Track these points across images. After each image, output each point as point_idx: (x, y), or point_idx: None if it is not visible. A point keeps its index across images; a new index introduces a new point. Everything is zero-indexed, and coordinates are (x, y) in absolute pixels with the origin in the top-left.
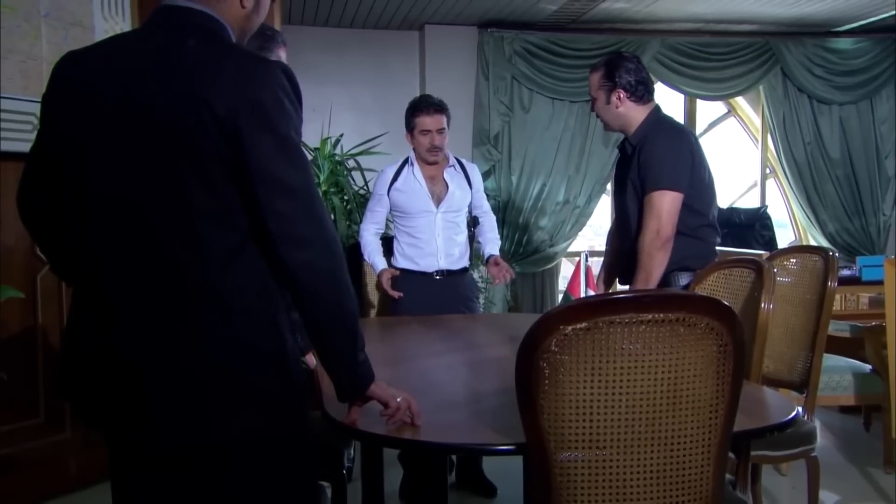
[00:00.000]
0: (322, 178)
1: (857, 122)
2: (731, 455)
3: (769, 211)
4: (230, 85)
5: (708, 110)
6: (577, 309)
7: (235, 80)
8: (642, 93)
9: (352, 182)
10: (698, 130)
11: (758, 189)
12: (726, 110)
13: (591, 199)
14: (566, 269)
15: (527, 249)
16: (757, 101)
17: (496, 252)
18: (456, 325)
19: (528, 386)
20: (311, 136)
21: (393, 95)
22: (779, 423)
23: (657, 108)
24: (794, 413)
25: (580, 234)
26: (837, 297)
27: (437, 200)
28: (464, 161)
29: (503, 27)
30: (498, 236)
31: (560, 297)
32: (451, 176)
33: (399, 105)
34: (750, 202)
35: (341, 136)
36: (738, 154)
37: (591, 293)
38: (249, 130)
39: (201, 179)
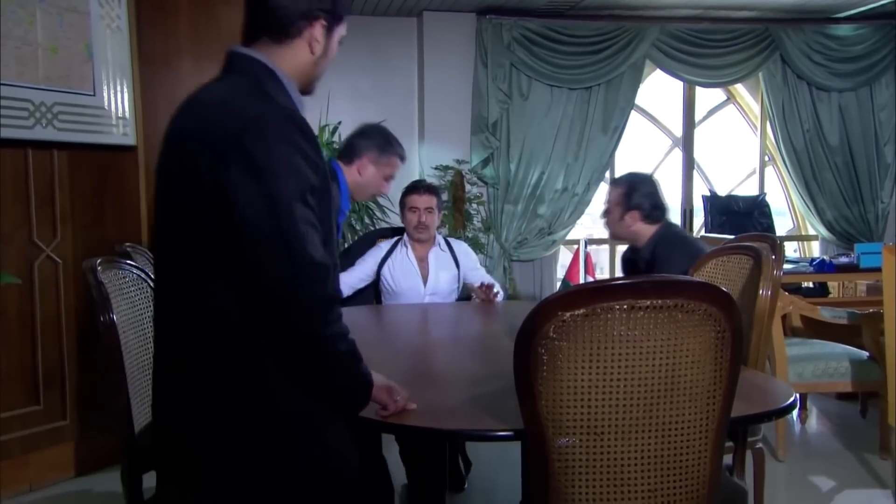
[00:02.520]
0: None
1: (857, 109)
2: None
3: (767, 198)
4: (231, 135)
5: (707, 97)
6: (576, 295)
7: (235, 130)
8: (656, 217)
9: None
10: (697, 118)
11: (756, 177)
12: (725, 97)
13: (590, 187)
14: (564, 258)
15: (525, 237)
16: (756, 89)
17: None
18: (454, 312)
19: (527, 372)
20: (309, 122)
21: (391, 83)
22: (776, 409)
23: (667, 223)
24: (791, 398)
25: (578, 222)
26: (834, 284)
27: (425, 281)
28: (452, 241)
29: (502, 14)
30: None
31: (559, 284)
32: (436, 256)
33: (397, 92)
34: (748, 190)
35: (339, 123)
36: (737, 142)
37: (590, 280)
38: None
39: (220, 231)
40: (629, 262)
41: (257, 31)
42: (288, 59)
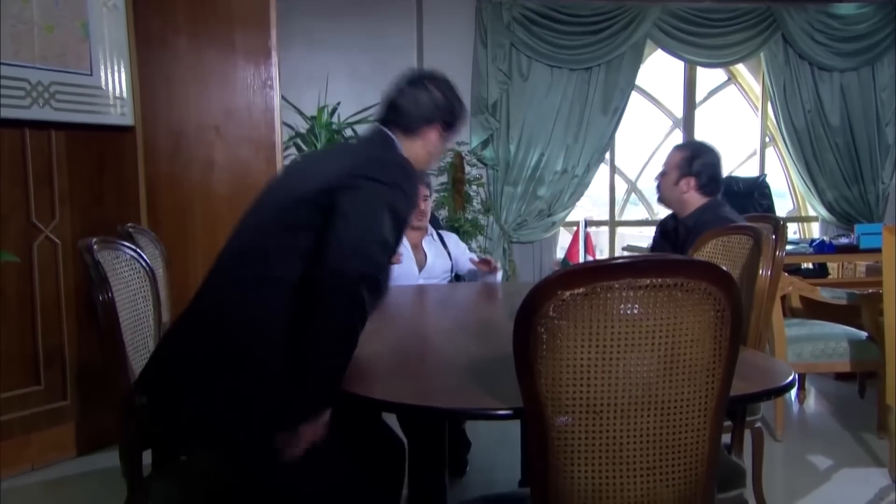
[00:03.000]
0: (319, 148)
1: (858, 89)
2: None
3: (768, 180)
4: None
5: (708, 78)
6: (575, 274)
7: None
8: (711, 189)
9: None
10: (698, 98)
11: (757, 158)
12: (726, 78)
13: (590, 169)
14: (564, 240)
15: (525, 219)
16: (757, 69)
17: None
18: (453, 293)
19: (526, 351)
20: (307, 104)
21: (390, 63)
22: (775, 388)
23: (718, 201)
24: (791, 377)
25: (578, 203)
26: (834, 265)
27: (420, 267)
28: (442, 232)
29: None
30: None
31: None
32: (429, 245)
33: (396, 73)
34: (749, 171)
35: (338, 104)
36: (738, 122)
37: (590, 259)
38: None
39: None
40: (669, 230)
41: (390, 121)
42: (407, 147)
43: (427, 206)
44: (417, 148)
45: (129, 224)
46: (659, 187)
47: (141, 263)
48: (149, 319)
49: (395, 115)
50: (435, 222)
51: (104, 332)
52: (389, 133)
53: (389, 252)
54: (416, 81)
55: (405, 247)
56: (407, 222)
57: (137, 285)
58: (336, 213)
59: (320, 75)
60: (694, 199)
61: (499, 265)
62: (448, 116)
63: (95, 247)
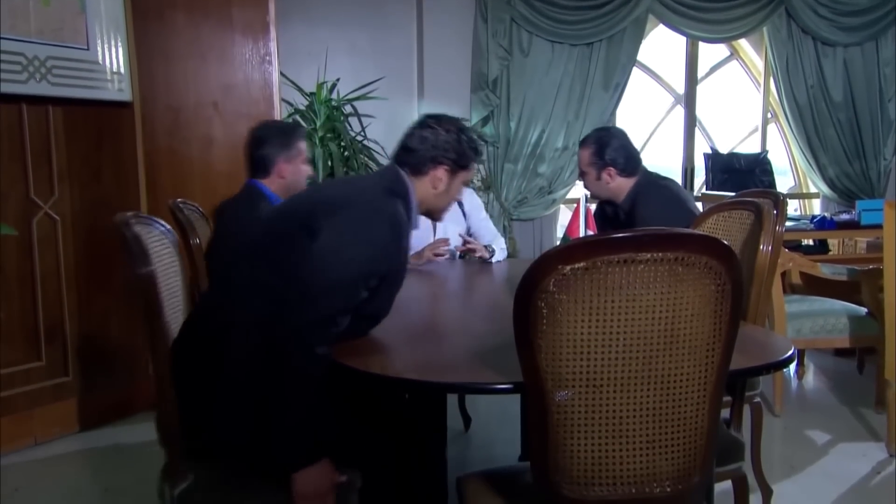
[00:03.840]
0: (319, 124)
1: (861, 64)
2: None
3: (769, 156)
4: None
5: (710, 54)
6: (576, 249)
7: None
8: (632, 168)
9: (349, 128)
10: (700, 74)
11: (758, 134)
12: (728, 53)
13: None
14: (564, 217)
15: (525, 196)
16: (760, 44)
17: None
18: (455, 270)
19: (527, 326)
20: (306, 80)
21: (389, 40)
22: (774, 362)
23: (644, 172)
24: (790, 351)
25: (578, 181)
26: (834, 241)
27: (434, 233)
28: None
29: None
30: (497, 248)
31: (558, 241)
32: None
33: (396, 49)
34: (750, 148)
35: (337, 80)
36: (740, 98)
37: (591, 234)
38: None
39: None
40: (609, 218)
41: (402, 161)
42: (417, 186)
43: None
44: (426, 187)
45: (178, 199)
46: (586, 187)
47: (170, 238)
48: (179, 294)
49: (406, 155)
50: None
51: (145, 305)
52: (401, 171)
53: (350, 300)
54: (423, 123)
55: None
56: (381, 273)
57: (168, 259)
58: (294, 256)
59: (319, 51)
60: (623, 185)
61: (486, 252)
62: (455, 156)
63: (132, 221)
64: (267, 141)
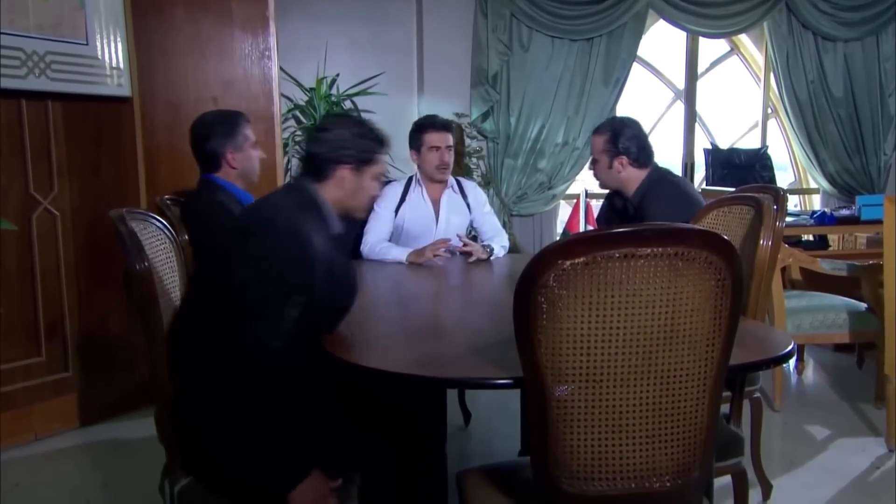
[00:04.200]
0: (318, 120)
1: (862, 59)
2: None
3: (769, 152)
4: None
5: (710, 49)
6: (576, 244)
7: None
8: (644, 159)
9: None
10: (700, 70)
11: (758, 130)
12: (729, 48)
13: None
14: (564, 213)
15: (525, 192)
16: (760, 39)
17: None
18: (455, 266)
19: (527, 321)
20: (306, 75)
21: (389, 35)
22: (774, 357)
23: (655, 167)
24: (790, 346)
25: (578, 177)
26: (834, 237)
27: (437, 223)
28: (463, 181)
29: None
30: (497, 246)
31: (558, 236)
32: (449, 199)
33: (395, 44)
34: (750, 143)
35: (337, 76)
36: (740, 94)
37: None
38: None
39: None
40: (618, 208)
41: (306, 170)
42: (326, 192)
43: (451, 156)
44: (332, 190)
45: (166, 196)
46: (596, 176)
47: (167, 234)
48: (176, 290)
49: (308, 163)
50: None
51: (140, 301)
52: (306, 181)
53: (276, 319)
54: (321, 126)
55: (426, 202)
56: (301, 285)
57: (164, 256)
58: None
59: (318, 46)
60: (634, 175)
61: (484, 253)
62: (354, 152)
63: (127, 217)
64: (211, 135)
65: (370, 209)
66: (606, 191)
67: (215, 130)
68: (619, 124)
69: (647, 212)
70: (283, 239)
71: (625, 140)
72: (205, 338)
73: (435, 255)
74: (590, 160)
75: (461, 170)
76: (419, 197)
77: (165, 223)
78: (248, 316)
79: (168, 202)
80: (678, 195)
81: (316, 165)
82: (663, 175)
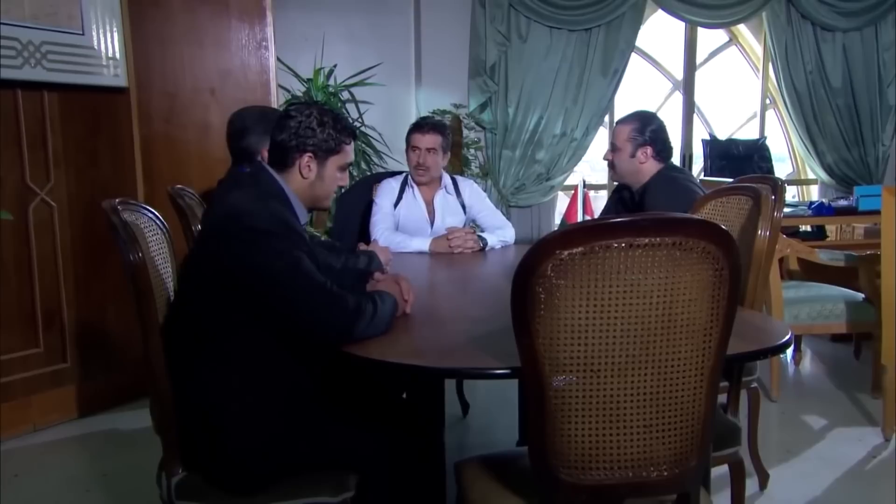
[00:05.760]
0: None
1: (861, 49)
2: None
3: (767, 142)
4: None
5: (708, 39)
6: (574, 233)
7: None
8: (665, 154)
9: (346, 114)
10: (699, 60)
11: (757, 120)
12: (727, 39)
13: (589, 132)
14: (562, 205)
15: (523, 183)
16: (759, 29)
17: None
18: (453, 256)
19: (524, 310)
20: (303, 66)
21: (387, 25)
22: (772, 347)
23: (671, 165)
24: (787, 336)
25: (576, 168)
26: (832, 228)
27: (431, 224)
28: (458, 179)
29: None
30: (498, 238)
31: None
32: (442, 200)
33: (393, 35)
34: (749, 134)
35: (335, 66)
36: (739, 84)
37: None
38: None
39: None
40: (626, 202)
41: (271, 159)
42: (289, 180)
43: (434, 160)
44: (296, 179)
45: (178, 185)
46: (612, 165)
47: (158, 225)
48: (170, 281)
49: (273, 151)
50: None
51: (135, 292)
52: (269, 169)
53: (325, 280)
54: (284, 113)
55: (419, 204)
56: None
57: (157, 247)
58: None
59: (316, 37)
60: (651, 168)
61: (477, 245)
62: (317, 140)
63: (120, 207)
64: (249, 131)
65: (333, 198)
66: (604, 182)
67: (254, 126)
68: (648, 116)
69: (647, 204)
70: (270, 233)
71: (651, 131)
72: (201, 337)
73: (456, 247)
74: (607, 149)
75: (459, 162)
76: (412, 197)
77: (157, 214)
78: (311, 309)
79: (180, 191)
80: (679, 188)
81: (280, 153)
82: (672, 173)
